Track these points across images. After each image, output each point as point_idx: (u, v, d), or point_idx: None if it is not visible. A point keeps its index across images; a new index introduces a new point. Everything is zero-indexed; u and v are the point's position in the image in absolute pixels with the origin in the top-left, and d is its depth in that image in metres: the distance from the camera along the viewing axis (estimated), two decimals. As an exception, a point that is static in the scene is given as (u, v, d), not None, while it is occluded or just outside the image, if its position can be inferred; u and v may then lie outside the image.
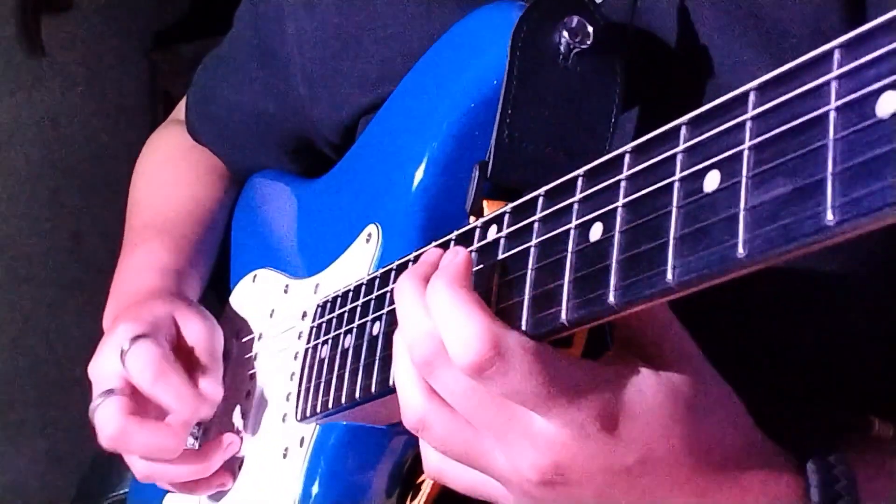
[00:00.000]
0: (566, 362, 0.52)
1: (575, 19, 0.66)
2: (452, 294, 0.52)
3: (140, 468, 0.86)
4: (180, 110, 1.16)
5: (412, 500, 0.76)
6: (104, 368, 0.85)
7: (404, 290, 0.57)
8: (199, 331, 0.89)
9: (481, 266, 0.58)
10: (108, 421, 0.82)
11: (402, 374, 0.58)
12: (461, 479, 0.61)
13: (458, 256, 0.55)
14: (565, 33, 0.66)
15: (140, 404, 0.84)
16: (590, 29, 0.66)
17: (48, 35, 2.24)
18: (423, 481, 0.76)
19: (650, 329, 0.55)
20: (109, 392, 0.83)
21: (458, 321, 0.51)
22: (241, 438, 0.88)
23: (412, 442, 0.77)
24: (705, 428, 0.55)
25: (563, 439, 0.53)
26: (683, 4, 0.70)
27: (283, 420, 0.83)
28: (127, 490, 1.15)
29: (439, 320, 0.53)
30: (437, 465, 0.62)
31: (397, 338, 0.59)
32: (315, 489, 0.76)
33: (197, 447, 0.91)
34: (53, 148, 2.28)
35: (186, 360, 0.88)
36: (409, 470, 0.78)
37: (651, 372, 0.54)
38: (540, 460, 0.54)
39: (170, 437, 0.83)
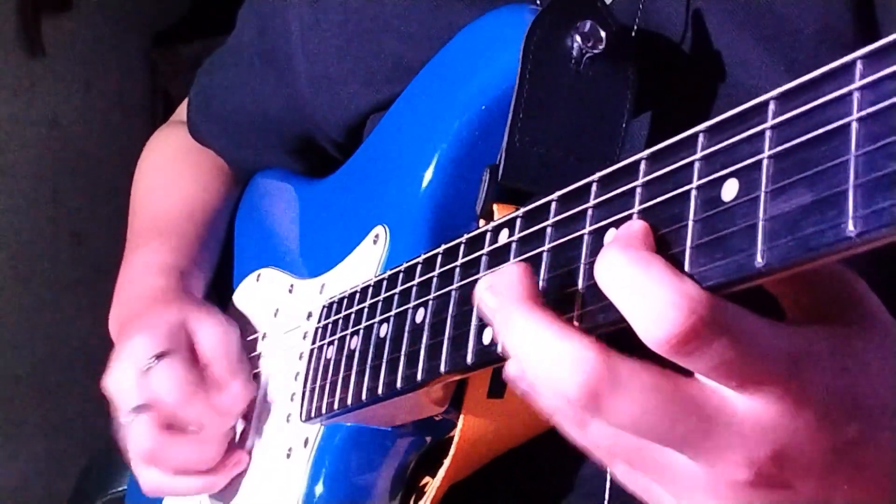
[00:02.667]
0: (768, 324, 0.43)
1: (588, 24, 0.66)
2: (635, 257, 0.43)
3: (148, 482, 0.86)
4: (181, 111, 1.16)
5: (416, 501, 0.76)
6: (126, 383, 0.84)
7: (525, 321, 0.46)
8: (214, 335, 0.88)
9: (494, 270, 0.58)
10: (143, 438, 0.82)
11: (555, 415, 0.48)
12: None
13: (634, 223, 0.46)
14: (578, 38, 0.66)
15: (169, 417, 0.83)
16: (602, 34, 0.66)
17: (48, 35, 2.24)
18: (426, 483, 0.76)
19: (840, 287, 0.48)
20: (140, 408, 0.83)
21: (647, 286, 0.42)
22: (244, 438, 0.88)
23: (416, 444, 0.77)
24: None
25: (777, 417, 0.43)
26: (692, 4, 0.70)
27: (288, 420, 0.83)
28: (125, 487, 1.15)
29: (620, 294, 0.43)
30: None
31: (521, 380, 0.47)
32: (319, 489, 0.76)
33: None
34: (53, 148, 2.28)
35: (205, 366, 0.87)
36: (412, 471, 0.78)
37: (862, 331, 0.46)
38: (753, 452, 0.44)
39: (206, 449, 0.83)
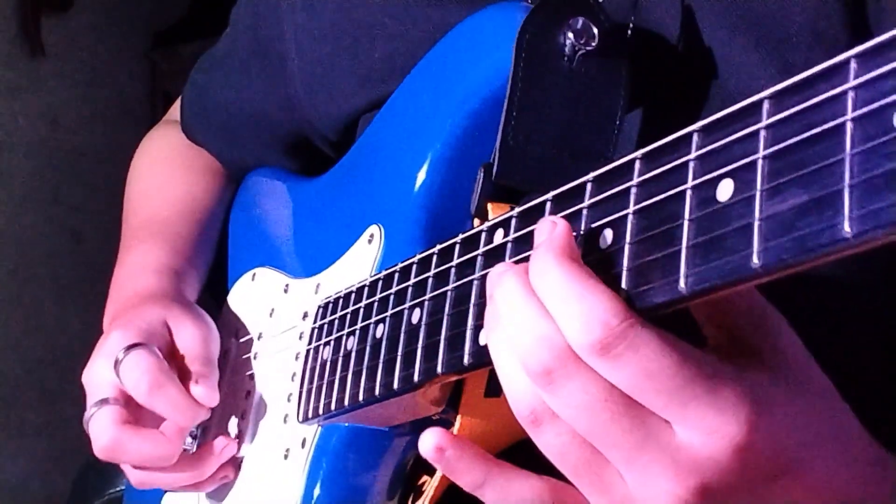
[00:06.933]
0: (691, 349, 0.46)
1: (580, 21, 0.66)
2: (563, 269, 0.46)
3: (135, 476, 0.86)
4: (174, 111, 1.16)
5: (414, 501, 0.76)
6: (97, 377, 0.84)
7: (510, 288, 0.49)
8: (192, 336, 0.88)
9: (489, 271, 0.58)
10: (102, 431, 0.81)
11: (513, 382, 0.50)
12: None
13: (557, 228, 0.48)
14: (570, 35, 0.66)
15: (134, 412, 0.83)
16: (595, 31, 0.66)
17: (48, 35, 2.24)
18: (424, 482, 0.76)
19: (750, 319, 0.49)
20: (103, 402, 0.83)
21: (577, 296, 0.45)
22: (240, 439, 0.88)
23: (414, 444, 0.76)
24: (833, 422, 0.51)
25: (709, 452, 0.46)
26: (685, 4, 0.70)
27: (285, 421, 0.83)
28: (123, 487, 1.15)
29: (552, 301, 0.46)
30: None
31: (498, 342, 0.51)
32: (317, 491, 0.76)
33: (195, 447, 0.91)
34: (53, 148, 2.28)
35: (180, 364, 0.87)
36: (410, 471, 0.77)
37: (776, 364, 0.48)
38: (683, 483, 0.46)
39: (165, 445, 0.82)
